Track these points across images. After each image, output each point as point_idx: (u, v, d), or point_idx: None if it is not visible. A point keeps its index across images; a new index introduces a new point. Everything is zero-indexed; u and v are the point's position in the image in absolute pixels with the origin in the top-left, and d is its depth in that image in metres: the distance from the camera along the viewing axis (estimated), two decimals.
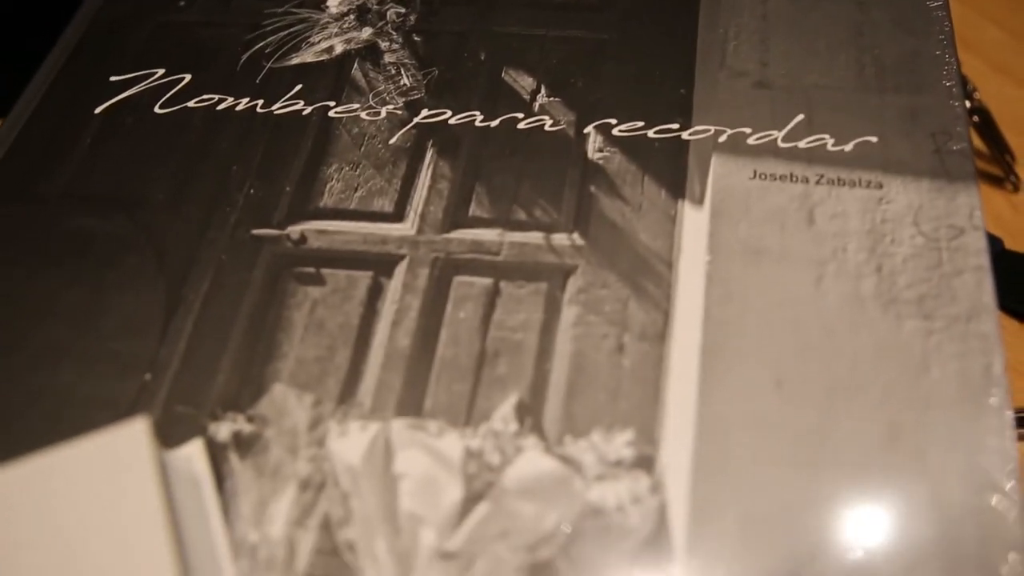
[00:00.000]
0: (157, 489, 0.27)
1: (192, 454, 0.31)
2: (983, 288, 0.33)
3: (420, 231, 0.36)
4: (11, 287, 0.35)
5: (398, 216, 0.36)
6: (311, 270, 0.35)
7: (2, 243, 0.37)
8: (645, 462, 0.30)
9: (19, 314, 0.35)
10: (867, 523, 0.28)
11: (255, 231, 0.36)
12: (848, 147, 0.36)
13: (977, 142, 0.50)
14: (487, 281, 0.34)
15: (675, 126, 0.38)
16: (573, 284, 0.34)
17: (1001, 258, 0.43)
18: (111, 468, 0.27)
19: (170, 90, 0.41)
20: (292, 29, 0.42)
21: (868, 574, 0.28)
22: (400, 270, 0.35)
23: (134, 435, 0.28)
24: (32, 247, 0.37)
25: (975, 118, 0.50)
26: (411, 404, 0.32)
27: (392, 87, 0.40)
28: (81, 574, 0.26)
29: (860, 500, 0.29)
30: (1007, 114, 0.52)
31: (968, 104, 0.50)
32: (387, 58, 0.41)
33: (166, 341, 0.34)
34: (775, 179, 0.36)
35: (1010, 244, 0.48)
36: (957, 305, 0.32)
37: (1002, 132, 0.51)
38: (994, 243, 0.43)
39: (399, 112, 0.39)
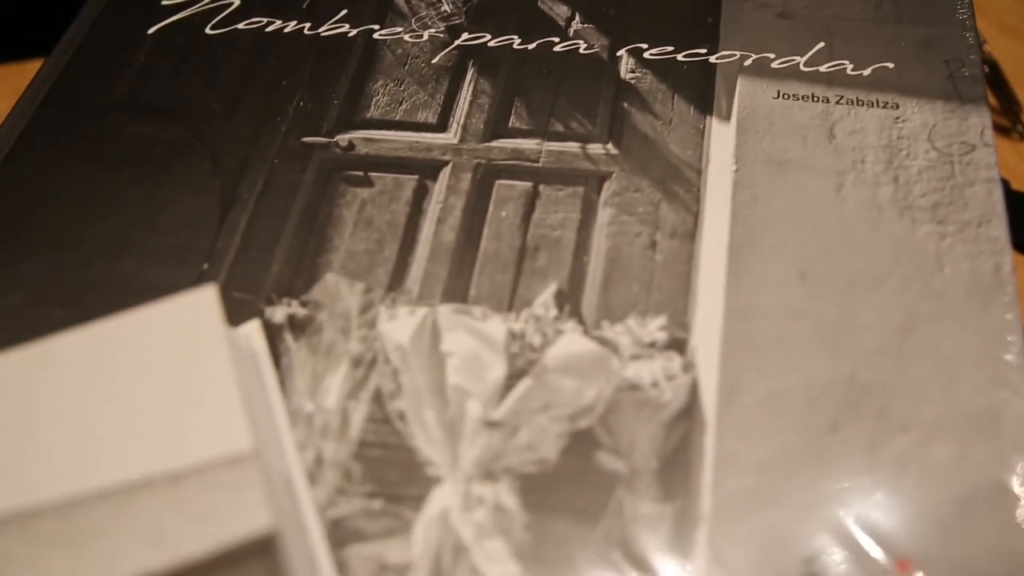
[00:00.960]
0: (227, 350, 0.29)
1: (250, 332, 0.33)
2: (993, 197, 0.35)
3: (463, 140, 0.38)
4: (74, 186, 0.37)
5: (441, 127, 0.38)
6: (359, 173, 0.37)
7: (65, 147, 0.39)
8: (677, 344, 0.32)
9: (82, 210, 0.37)
10: (883, 401, 0.30)
11: (305, 139, 0.38)
12: (866, 72, 0.39)
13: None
14: (527, 185, 0.36)
15: (703, 51, 0.40)
16: (608, 188, 0.36)
17: (1009, 197, 0.46)
18: (183, 329, 0.29)
19: (220, 14, 0.43)
20: None
21: (883, 446, 0.30)
22: (444, 174, 0.37)
23: (204, 299, 0.30)
24: (93, 151, 0.38)
25: (985, 68, 0.52)
26: (456, 292, 0.34)
27: (434, 12, 0.42)
28: (153, 432, 0.28)
29: (877, 381, 0.31)
30: (1013, 71, 0.55)
31: None
32: None
33: (222, 235, 0.36)
34: (797, 99, 0.38)
35: (1016, 187, 0.50)
36: (968, 212, 0.34)
37: (1010, 83, 0.53)
38: (1003, 184, 0.45)
39: (440, 35, 0.41)
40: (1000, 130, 0.54)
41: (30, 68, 0.51)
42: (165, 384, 0.29)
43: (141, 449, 0.27)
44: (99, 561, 0.25)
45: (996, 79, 0.53)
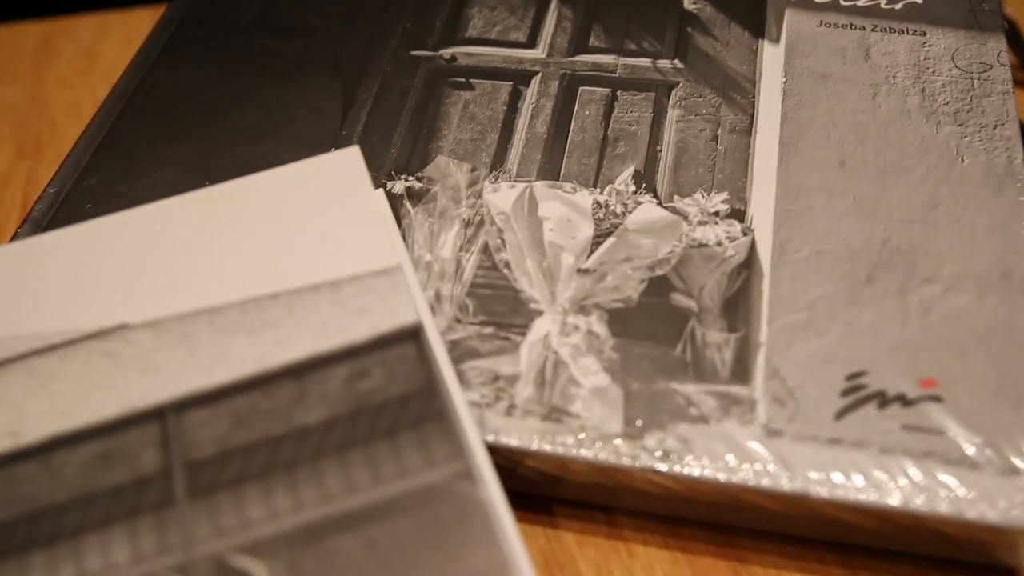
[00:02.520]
0: (372, 192, 0.35)
1: (377, 195, 0.39)
2: (1007, 105, 0.41)
3: (549, 55, 0.44)
4: (214, 85, 0.44)
5: (531, 44, 0.44)
6: (462, 79, 0.43)
7: (205, 56, 0.45)
8: (737, 214, 0.38)
9: (223, 104, 0.43)
10: (911, 259, 0.36)
11: (413, 52, 0.44)
12: (898, 6, 0.45)
13: None
14: (606, 90, 0.42)
15: None
16: (676, 94, 0.42)
17: None
18: (335, 176, 0.35)
19: None
20: None
21: (911, 292, 0.35)
22: (535, 81, 0.43)
23: (350, 155, 0.36)
24: (229, 59, 0.45)
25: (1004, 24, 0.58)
26: (549, 172, 0.40)
27: None
28: (314, 253, 0.34)
29: (906, 244, 0.37)
30: None
31: None
32: None
33: (346, 125, 0.42)
34: (837, 27, 0.44)
35: None
36: (986, 117, 0.40)
37: None
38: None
39: None
40: (1018, 84, 0.59)
41: (139, 15, 0.57)
42: (323, 216, 0.35)
43: (305, 265, 0.33)
44: (275, 344, 0.31)
45: (1013, 34, 0.59)
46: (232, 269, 0.33)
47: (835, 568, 0.34)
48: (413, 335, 0.31)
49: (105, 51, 0.59)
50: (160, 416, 0.30)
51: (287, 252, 0.33)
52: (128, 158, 0.41)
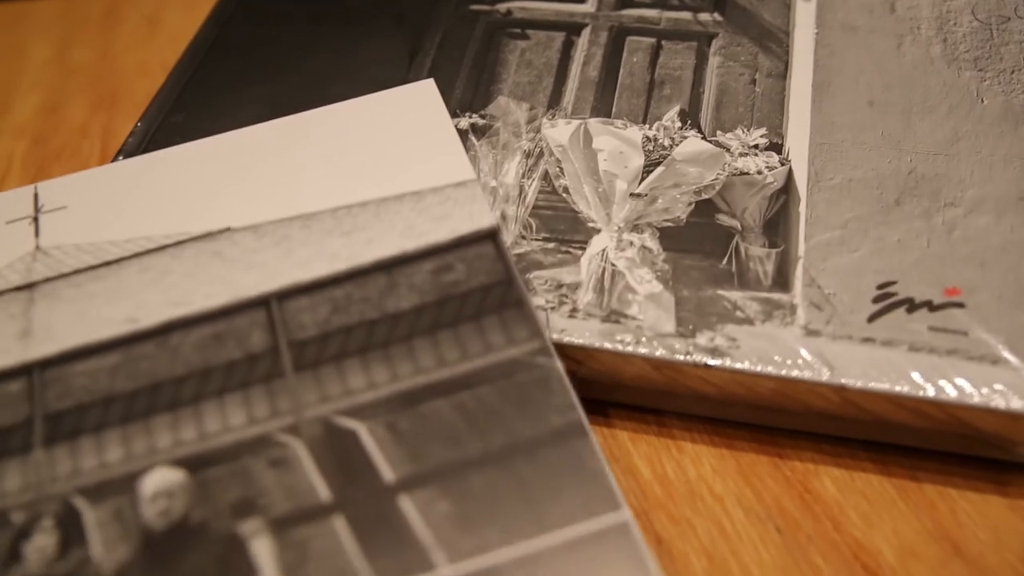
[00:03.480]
0: (447, 118, 0.38)
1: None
2: None
3: (599, 9, 0.48)
4: (285, 35, 0.47)
5: (580, 0, 0.48)
6: (518, 30, 0.47)
7: (275, 9, 0.49)
8: (775, 147, 0.41)
9: (295, 51, 0.47)
10: (936, 186, 0.40)
11: (472, 7, 0.48)
12: None
13: None
14: (651, 39, 0.46)
15: None
16: (716, 43, 0.46)
17: None
18: (412, 105, 0.39)
19: None
20: None
21: (936, 214, 0.39)
22: (586, 31, 0.47)
23: (426, 87, 0.39)
24: (299, 12, 0.48)
25: None
26: (601, 110, 0.43)
27: None
28: (397, 168, 0.37)
29: (931, 173, 0.40)
30: None
31: None
32: None
33: (412, 70, 0.45)
34: None
35: None
36: (1004, 63, 0.44)
37: None
38: None
39: None
40: None
41: None
42: (404, 138, 0.38)
43: (389, 179, 0.36)
44: (365, 244, 0.35)
45: None
46: (322, 182, 0.37)
47: (867, 463, 0.38)
48: (490, 236, 0.35)
49: (167, 18, 0.63)
50: (265, 304, 0.33)
51: (372, 168, 0.37)
52: (211, 98, 0.45)
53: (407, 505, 0.29)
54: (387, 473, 0.29)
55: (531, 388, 0.31)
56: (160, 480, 0.29)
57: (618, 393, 0.38)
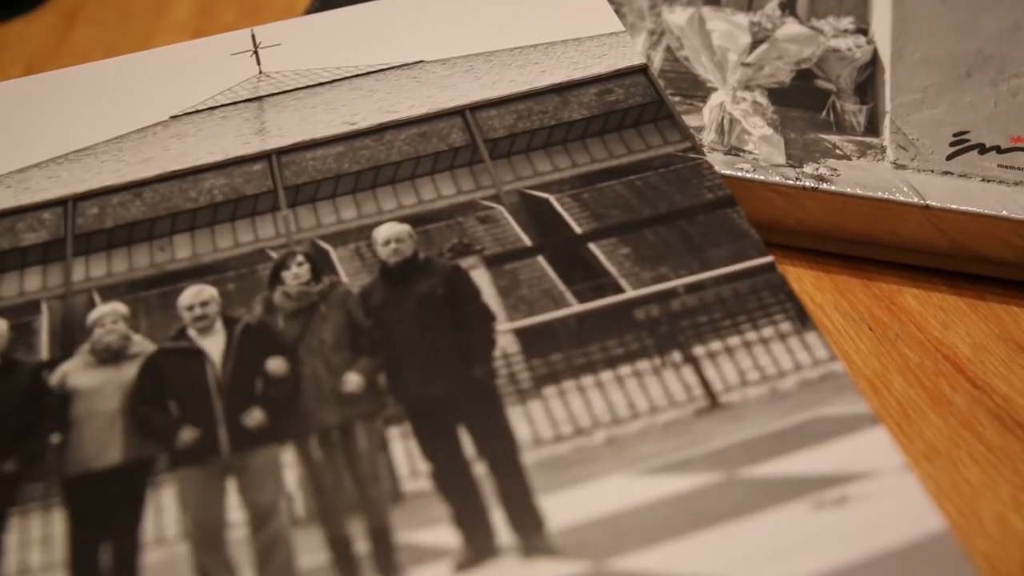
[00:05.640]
0: None
1: None
2: None
3: None
4: None
5: None
6: None
7: None
8: (862, 31, 0.49)
9: None
10: (1001, 62, 0.47)
11: None
12: None
13: None
14: None
15: None
16: None
17: None
18: None
19: None
20: None
21: (1002, 83, 0.46)
22: None
23: None
24: None
25: None
26: (713, 2, 0.51)
27: None
28: (563, 28, 0.44)
29: (997, 52, 0.48)
30: None
31: None
32: None
33: None
34: None
35: None
36: None
37: None
38: None
39: None
40: None
41: None
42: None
43: (557, 29, 0.44)
44: (539, 74, 0.42)
45: None
46: (499, 28, 0.44)
47: (943, 286, 0.45)
48: (642, 70, 0.42)
49: None
50: (461, 113, 0.40)
51: (541, 22, 0.44)
52: None
53: (595, 249, 0.36)
54: (576, 227, 0.36)
55: (686, 173, 0.38)
56: (390, 228, 0.36)
57: None
